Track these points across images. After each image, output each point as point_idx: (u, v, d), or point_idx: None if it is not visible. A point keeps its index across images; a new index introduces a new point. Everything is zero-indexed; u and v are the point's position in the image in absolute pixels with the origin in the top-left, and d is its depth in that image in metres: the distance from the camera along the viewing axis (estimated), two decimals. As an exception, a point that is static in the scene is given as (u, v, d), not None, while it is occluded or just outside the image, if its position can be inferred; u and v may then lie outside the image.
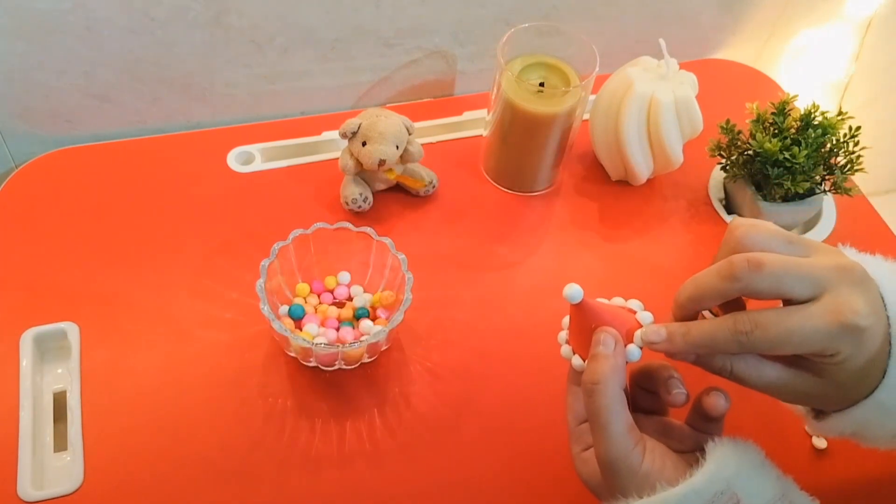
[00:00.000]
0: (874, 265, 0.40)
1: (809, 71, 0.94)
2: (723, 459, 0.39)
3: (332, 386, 0.56)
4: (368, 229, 0.58)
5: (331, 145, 0.72)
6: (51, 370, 0.56)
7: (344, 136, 0.63)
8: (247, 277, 0.60)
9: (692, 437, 0.42)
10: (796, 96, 0.66)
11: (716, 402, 0.41)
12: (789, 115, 0.65)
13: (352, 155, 0.63)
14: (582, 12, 0.76)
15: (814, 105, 0.65)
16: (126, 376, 0.55)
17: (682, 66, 0.66)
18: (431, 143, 0.72)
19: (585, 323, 0.41)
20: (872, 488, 0.55)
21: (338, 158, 0.65)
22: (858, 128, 0.64)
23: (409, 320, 0.57)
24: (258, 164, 0.69)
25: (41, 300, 0.58)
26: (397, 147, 0.63)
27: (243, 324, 0.58)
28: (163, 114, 0.71)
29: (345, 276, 0.61)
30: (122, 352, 0.56)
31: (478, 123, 0.75)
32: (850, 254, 0.41)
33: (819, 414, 0.43)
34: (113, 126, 0.70)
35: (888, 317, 0.38)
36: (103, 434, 0.52)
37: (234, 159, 0.69)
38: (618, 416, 0.39)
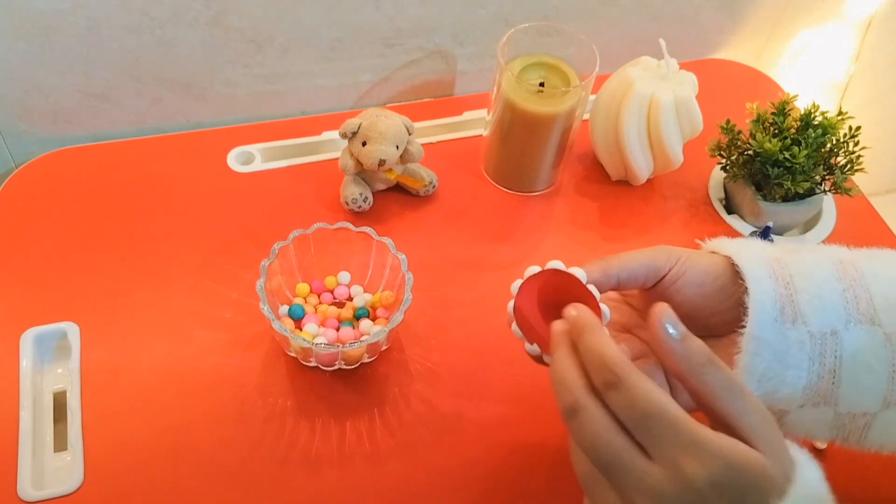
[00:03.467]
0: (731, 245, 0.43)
1: (809, 71, 0.94)
2: (811, 480, 0.35)
3: (333, 386, 0.56)
4: (368, 229, 0.58)
5: (331, 145, 0.72)
6: (51, 370, 0.56)
7: (344, 136, 0.63)
8: (247, 277, 0.60)
9: None
10: (796, 96, 0.67)
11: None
12: (789, 115, 0.65)
13: (352, 155, 0.63)
14: (582, 12, 0.76)
15: (814, 105, 0.65)
16: (126, 376, 0.55)
17: (683, 66, 0.66)
18: (431, 143, 0.72)
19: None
20: (873, 488, 0.55)
21: (338, 158, 0.65)
22: (858, 128, 0.64)
23: (409, 320, 0.57)
24: (258, 164, 0.69)
25: (41, 300, 0.58)
26: (397, 147, 0.62)
27: (243, 324, 0.58)
28: (163, 114, 0.71)
29: (345, 276, 0.61)
30: (122, 352, 0.56)
31: (478, 123, 0.75)
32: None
33: None
34: (113, 126, 0.70)
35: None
36: (103, 434, 0.52)
37: (234, 159, 0.69)
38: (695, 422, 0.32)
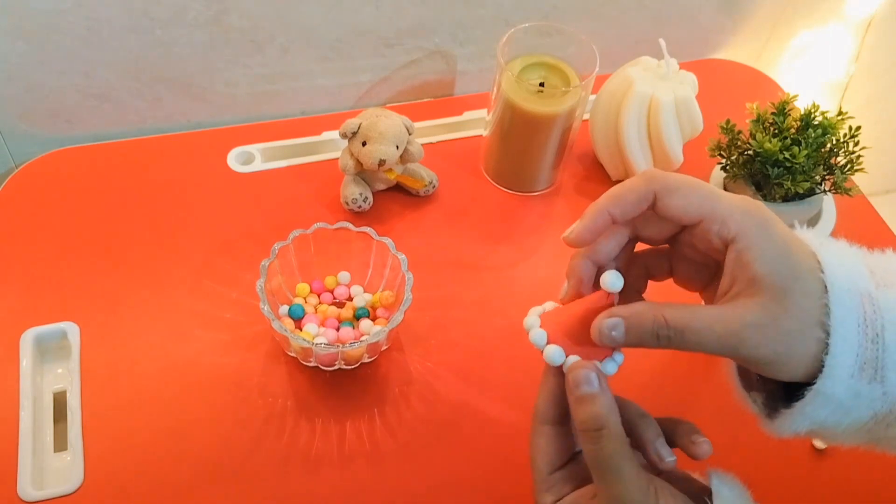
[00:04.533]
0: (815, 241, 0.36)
1: (809, 71, 0.94)
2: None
3: (333, 386, 0.56)
4: (368, 229, 0.58)
5: (331, 145, 0.72)
6: (51, 370, 0.56)
7: (344, 136, 0.63)
8: (247, 277, 0.60)
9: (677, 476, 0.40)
10: (796, 96, 0.66)
11: (702, 451, 0.38)
12: (789, 115, 0.65)
13: (352, 155, 0.63)
14: (582, 12, 0.76)
15: (814, 105, 0.65)
16: (126, 376, 0.55)
17: (682, 66, 0.66)
18: (431, 143, 0.72)
19: (588, 316, 0.37)
20: (872, 488, 0.55)
21: (338, 158, 0.65)
22: (858, 128, 0.64)
23: (409, 320, 0.57)
24: (258, 164, 0.69)
25: (41, 300, 0.58)
26: (397, 147, 0.62)
27: (243, 324, 0.58)
28: (163, 114, 0.71)
29: (345, 276, 0.61)
30: (122, 352, 0.56)
31: (478, 123, 0.75)
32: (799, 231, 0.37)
33: (771, 412, 0.38)
34: (113, 126, 0.70)
35: (825, 283, 0.34)
36: (103, 434, 0.52)
37: (234, 159, 0.69)
38: (629, 457, 0.35)
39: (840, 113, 0.64)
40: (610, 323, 0.36)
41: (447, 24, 0.73)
